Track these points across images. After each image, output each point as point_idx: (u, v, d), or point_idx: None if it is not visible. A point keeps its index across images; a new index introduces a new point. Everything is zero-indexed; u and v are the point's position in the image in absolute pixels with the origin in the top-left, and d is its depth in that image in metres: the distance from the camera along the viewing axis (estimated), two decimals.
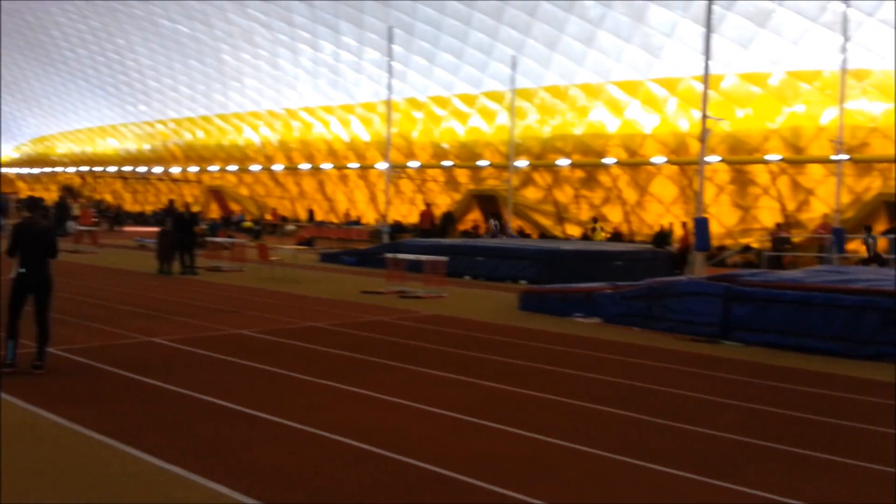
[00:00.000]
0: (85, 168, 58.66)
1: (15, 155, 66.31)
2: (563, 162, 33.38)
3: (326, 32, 34.19)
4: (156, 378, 8.07)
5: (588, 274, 18.41)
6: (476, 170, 36.80)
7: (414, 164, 37.84)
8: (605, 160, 32.04)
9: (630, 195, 32.91)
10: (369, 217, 42.30)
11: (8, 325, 8.40)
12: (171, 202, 22.46)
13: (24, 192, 64.58)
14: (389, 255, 18.10)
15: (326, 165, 42.44)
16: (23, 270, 8.44)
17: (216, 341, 10.39)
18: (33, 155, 64.66)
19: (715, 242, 26.39)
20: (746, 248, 28.84)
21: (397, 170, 35.79)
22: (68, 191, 57.15)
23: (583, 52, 30.08)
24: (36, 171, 64.31)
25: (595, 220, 31.83)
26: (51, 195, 59.58)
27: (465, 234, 35.53)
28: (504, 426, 6.71)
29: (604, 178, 33.33)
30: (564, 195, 34.85)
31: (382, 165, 37.02)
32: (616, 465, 5.87)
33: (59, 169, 61.88)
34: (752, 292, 11.63)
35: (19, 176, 67.03)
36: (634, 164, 31.82)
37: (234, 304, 14.33)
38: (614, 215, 33.65)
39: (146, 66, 44.18)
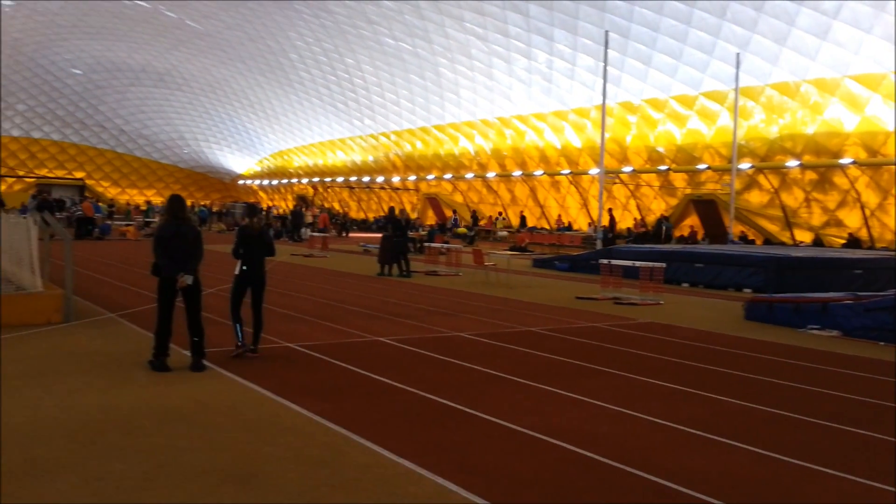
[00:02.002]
0: (316, 179, 63.34)
1: (257, 168, 72.98)
2: (792, 163, 31.10)
3: (540, 41, 34.41)
4: (384, 375, 8.50)
5: (822, 283, 17.00)
6: (694, 174, 35.29)
7: (627, 169, 37.02)
8: (841, 161, 29.43)
9: (870, 198, 29.96)
10: (581, 223, 41.95)
11: (233, 313, 9.38)
12: (391, 209, 23.67)
13: (265, 201, 70.95)
14: (604, 261, 17.81)
15: (538, 172, 42.66)
16: (245, 268, 9.36)
17: (436, 342, 10.76)
18: (273, 168, 70.79)
19: None
20: None
21: (610, 175, 35.17)
22: (302, 200, 62.05)
23: (816, 46, 27.88)
24: (275, 182, 70.36)
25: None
26: (287, 204, 64.92)
27: (682, 239, 34.19)
28: (735, 442, 6.34)
29: (839, 180, 30.62)
30: (793, 199, 32.46)
31: (595, 171, 36.59)
32: (868, 492, 5.34)
33: (294, 180, 67.29)
34: None
35: (261, 187, 73.69)
36: (876, 165, 28.93)
37: (452, 307, 14.77)
38: (852, 220, 30.80)
39: (371, 82, 46.90)
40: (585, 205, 41.60)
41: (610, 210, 36.32)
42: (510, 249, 29.42)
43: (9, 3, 46.76)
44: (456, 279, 20.71)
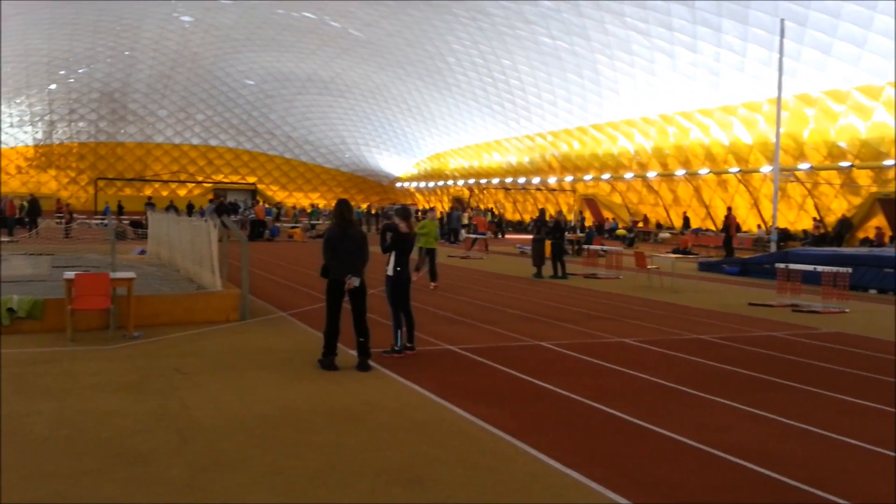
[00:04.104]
0: (472, 181, 63.97)
1: (414, 171, 74.70)
2: None
3: (707, 33, 32.89)
4: (547, 381, 8.31)
5: None
6: (881, 170, 32.48)
7: (804, 166, 34.64)
8: None
9: None
10: (751, 224, 39.74)
11: (394, 316, 9.48)
12: (542, 211, 23.44)
13: (421, 203, 72.47)
14: (781, 265, 16.67)
15: (704, 171, 40.83)
16: (398, 269, 9.41)
17: (600, 348, 10.43)
18: (429, 170, 72.20)
19: None
20: None
21: (785, 173, 33.03)
22: (458, 202, 62.82)
23: None
24: (431, 184, 71.75)
25: None
26: (443, 206, 65.98)
27: (866, 241, 31.58)
28: None
29: None
30: None
31: (767, 168, 34.52)
32: None
33: (450, 182, 68.30)
34: None
35: (417, 189, 75.38)
36: None
37: (613, 311, 14.33)
38: None
39: (528, 83, 46.71)
40: (756, 205, 39.37)
41: (729, 209, 34.18)
42: (673, 252, 28.31)
43: (187, 18, 50.44)
44: (616, 282, 20.15)
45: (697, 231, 40.32)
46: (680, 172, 42.62)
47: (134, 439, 6.00)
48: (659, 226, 46.01)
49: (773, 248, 25.37)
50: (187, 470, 5.36)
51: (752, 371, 9.09)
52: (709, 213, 42.83)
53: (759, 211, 39.14)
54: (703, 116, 39.23)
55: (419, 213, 55.36)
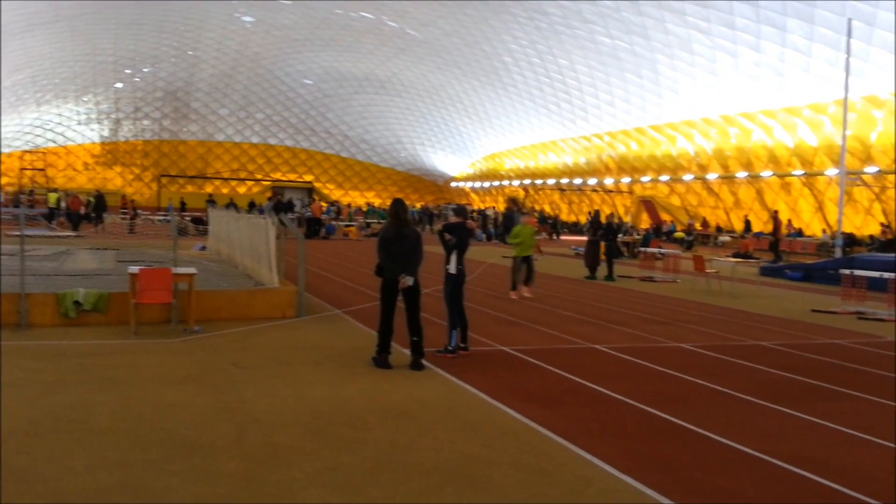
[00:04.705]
0: (527, 181, 63.71)
1: (469, 170, 74.72)
2: None
3: (771, 32, 32.13)
4: (601, 384, 8.23)
5: None
6: None
7: (871, 169, 33.57)
8: None
9: None
10: (815, 228, 38.69)
11: (450, 316, 9.49)
12: (597, 213, 23.26)
13: (476, 203, 72.46)
14: (846, 271, 16.19)
15: (766, 173, 39.89)
16: (461, 266, 9.43)
17: (656, 352, 10.29)
18: (484, 170, 72.15)
19: None
20: None
21: (851, 176, 32.08)
22: (513, 202, 62.64)
23: None
24: (486, 184, 71.68)
25: None
26: (498, 206, 65.88)
27: None
28: None
29: None
30: None
31: (832, 172, 33.58)
32: None
33: (505, 182, 68.14)
34: None
35: (472, 189, 75.38)
36: None
37: (670, 315, 14.12)
38: None
39: (585, 83, 46.30)
40: (821, 208, 38.31)
41: (776, 212, 33.22)
42: (733, 256, 27.73)
43: (249, 19, 51.37)
44: (673, 286, 19.85)
45: (759, 235, 39.42)
46: (741, 175, 41.73)
47: (193, 431, 6.15)
48: (719, 229, 45.15)
49: (837, 253, 24.66)
50: (245, 463, 5.47)
51: (812, 379, 8.86)
52: (771, 217, 41.84)
53: (823, 215, 38.10)
54: (767, 118, 38.34)
55: (473, 214, 55.39)
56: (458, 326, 9.49)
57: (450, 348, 9.43)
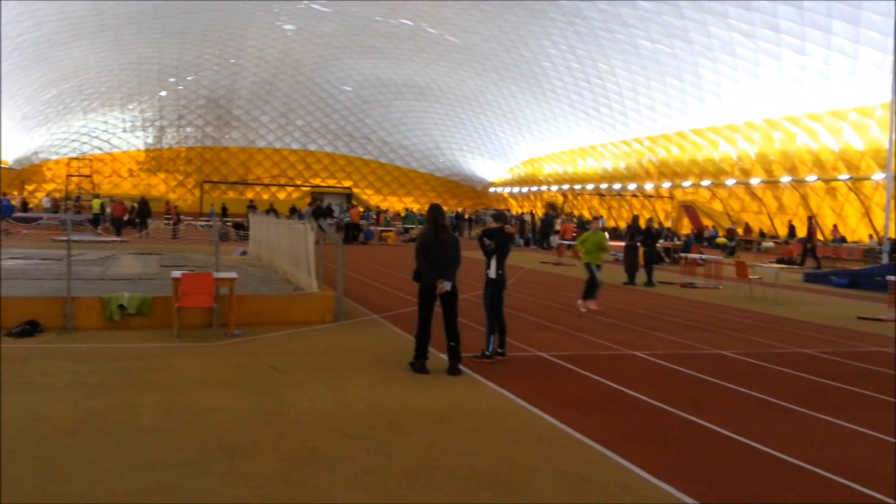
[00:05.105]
0: (566, 186, 63.38)
1: (508, 176, 74.59)
2: None
3: (816, 35, 31.57)
4: (639, 391, 8.15)
5: None
6: None
7: None
8: None
9: None
10: (861, 234, 37.83)
11: (489, 321, 9.51)
12: (635, 218, 23.06)
13: (514, 208, 72.30)
14: (893, 278, 15.81)
15: (811, 178, 39.14)
16: (500, 272, 9.43)
17: (696, 359, 10.15)
18: (523, 175, 71.95)
19: None
20: None
21: None
22: (552, 207, 62.37)
23: None
24: (524, 189, 71.47)
25: None
26: (536, 212, 65.65)
27: None
28: None
29: None
30: None
31: (879, 176, 32.83)
32: None
33: (543, 188, 67.88)
34: None
35: (511, 194, 75.23)
36: None
37: (711, 322, 13.92)
38: None
39: (625, 87, 45.95)
40: (867, 214, 37.47)
41: (810, 217, 32.45)
42: (777, 262, 27.29)
43: (290, 27, 52.00)
44: (715, 292, 19.56)
45: (803, 240, 38.64)
46: (786, 179, 41.01)
47: (234, 434, 6.23)
48: (762, 234, 44.39)
49: (884, 259, 24.10)
50: (284, 465, 5.53)
51: (856, 387, 8.67)
52: (816, 223, 41.05)
53: (870, 220, 37.24)
54: (812, 121, 37.63)
55: (512, 219, 55.29)
56: (496, 332, 9.49)
57: (487, 353, 9.43)
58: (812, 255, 29.35)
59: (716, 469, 5.79)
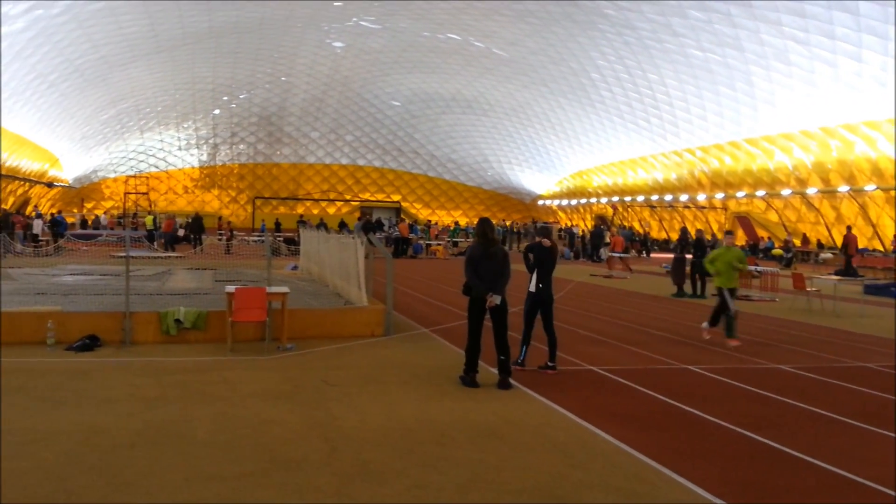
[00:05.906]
0: (616, 198, 62.78)
1: (556, 188, 74.21)
2: None
3: (873, 41, 30.82)
4: (694, 406, 8.00)
5: None
6: None
7: None
8: None
9: None
10: None
11: (525, 331, 9.67)
12: (684, 229, 22.72)
13: (563, 221, 71.87)
14: None
15: (870, 187, 38.09)
16: (540, 285, 9.39)
17: (752, 374, 9.93)
18: (572, 188, 71.51)
19: None
20: None
21: None
22: (601, 220, 61.80)
23: None
24: (573, 202, 71.00)
25: None
26: (586, 224, 65.15)
27: None
28: None
29: None
30: None
31: None
32: None
33: (593, 200, 67.35)
34: None
35: (560, 207, 74.80)
36: None
37: (767, 335, 13.61)
38: None
39: (675, 97, 45.42)
40: None
41: (849, 228, 31.40)
42: (836, 273, 26.56)
43: (339, 44, 52.71)
44: (771, 305, 19.13)
45: (864, 252, 37.60)
46: (844, 189, 39.99)
47: (287, 447, 6.30)
48: (820, 245, 43.31)
49: None
50: (336, 478, 5.57)
51: None
52: (876, 233, 39.93)
53: None
54: (870, 129, 36.68)
55: (561, 232, 54.92)
56: (529, 342, 9.65)
57: (519, 361, 9.62)
58: (847, 264, 28.59)
59: (772, 486, 5.65)
